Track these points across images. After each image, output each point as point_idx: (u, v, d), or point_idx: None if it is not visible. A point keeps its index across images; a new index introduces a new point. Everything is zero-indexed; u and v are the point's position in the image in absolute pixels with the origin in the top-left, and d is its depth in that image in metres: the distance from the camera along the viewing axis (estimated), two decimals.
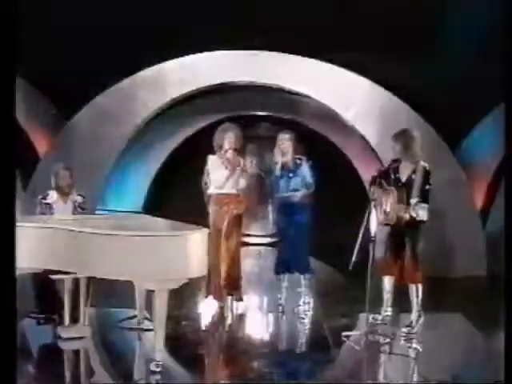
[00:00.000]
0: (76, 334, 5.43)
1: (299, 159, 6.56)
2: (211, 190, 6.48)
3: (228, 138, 6.38)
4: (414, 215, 5.49)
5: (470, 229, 8.63)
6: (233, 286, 6.47)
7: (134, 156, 10.27)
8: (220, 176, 6.41)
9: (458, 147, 9.08)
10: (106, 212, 6.39)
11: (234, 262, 6.44)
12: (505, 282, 3.13)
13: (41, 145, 9.36)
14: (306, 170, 6.52)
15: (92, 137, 8.89)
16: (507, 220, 3.18)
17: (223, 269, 6.34)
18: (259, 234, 10.96)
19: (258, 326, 6.40)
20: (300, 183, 6.51)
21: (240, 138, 6.46)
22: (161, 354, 4.63)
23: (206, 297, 6.54)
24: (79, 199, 6.02)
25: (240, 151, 6.49)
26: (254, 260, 9.79)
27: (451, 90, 8.22)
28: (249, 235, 10.03)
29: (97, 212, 6.46)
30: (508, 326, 3.08)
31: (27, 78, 8.37)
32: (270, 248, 10.00)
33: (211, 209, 6.51)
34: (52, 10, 7.44)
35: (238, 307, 6.51)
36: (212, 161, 6.45)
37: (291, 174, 6.50)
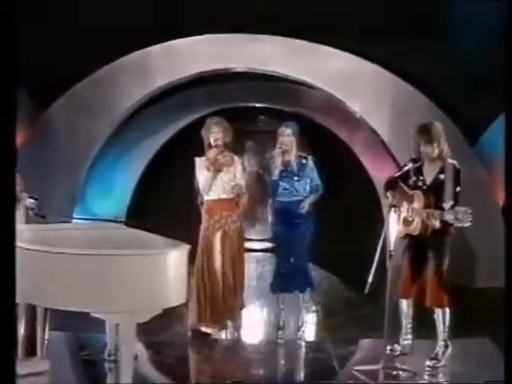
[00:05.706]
0: (32, 370, 4.55)
1: (305, 158, 5.72)
2: (202, 195, 5.71)
3: (214, 134, 5.62)
4: (452, 219, 4.54)
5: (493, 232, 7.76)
6: (230, 314, 5.66)
7: (118, 152, 9.67)
8: (204, 180, 5.63)
9: (478, 143, 8.39)
10: (74, 219, 5.55)
11: (235, 287, 5.64)
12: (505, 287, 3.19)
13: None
14: (312, 170, 5.71)
15: (69, 130, 8.26)
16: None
17: (219, 291, 5.55)
18: (256, 238, 10.17)
19: (254, 353, 5.53)
20: (308, 187, 5.68)
21: (228, 131, 5.68)
22: None
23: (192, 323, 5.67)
24: (31, 202, 5.14)
25: (230, 146, 5.71)
26: (251, 268, 8.94)
27: (469, 84, 7.57)
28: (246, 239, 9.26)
29: (65, 218, 5.66)
30: (508, 326, 3.13)
31: None
32: (269, 254, 9.20)
33: (203, 218, 5.70)
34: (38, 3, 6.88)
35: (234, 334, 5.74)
36: (198, 163, 5.70)
37: (296, 178, 5.66)
